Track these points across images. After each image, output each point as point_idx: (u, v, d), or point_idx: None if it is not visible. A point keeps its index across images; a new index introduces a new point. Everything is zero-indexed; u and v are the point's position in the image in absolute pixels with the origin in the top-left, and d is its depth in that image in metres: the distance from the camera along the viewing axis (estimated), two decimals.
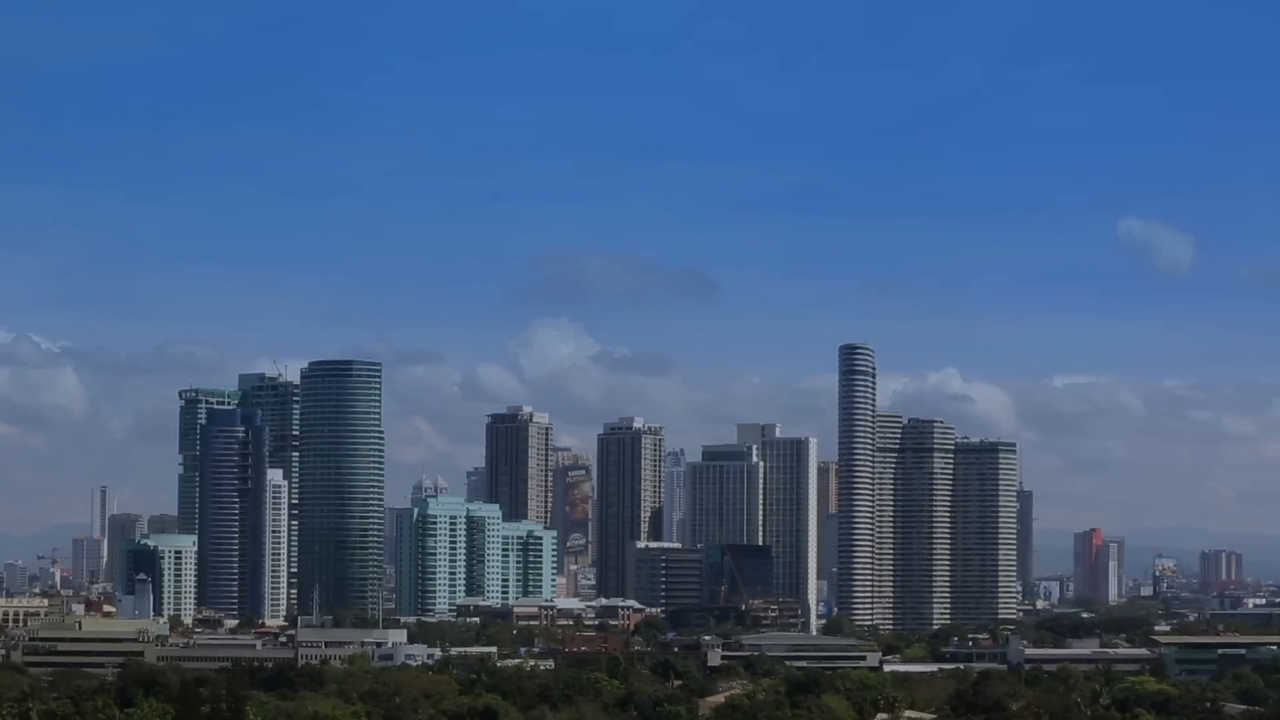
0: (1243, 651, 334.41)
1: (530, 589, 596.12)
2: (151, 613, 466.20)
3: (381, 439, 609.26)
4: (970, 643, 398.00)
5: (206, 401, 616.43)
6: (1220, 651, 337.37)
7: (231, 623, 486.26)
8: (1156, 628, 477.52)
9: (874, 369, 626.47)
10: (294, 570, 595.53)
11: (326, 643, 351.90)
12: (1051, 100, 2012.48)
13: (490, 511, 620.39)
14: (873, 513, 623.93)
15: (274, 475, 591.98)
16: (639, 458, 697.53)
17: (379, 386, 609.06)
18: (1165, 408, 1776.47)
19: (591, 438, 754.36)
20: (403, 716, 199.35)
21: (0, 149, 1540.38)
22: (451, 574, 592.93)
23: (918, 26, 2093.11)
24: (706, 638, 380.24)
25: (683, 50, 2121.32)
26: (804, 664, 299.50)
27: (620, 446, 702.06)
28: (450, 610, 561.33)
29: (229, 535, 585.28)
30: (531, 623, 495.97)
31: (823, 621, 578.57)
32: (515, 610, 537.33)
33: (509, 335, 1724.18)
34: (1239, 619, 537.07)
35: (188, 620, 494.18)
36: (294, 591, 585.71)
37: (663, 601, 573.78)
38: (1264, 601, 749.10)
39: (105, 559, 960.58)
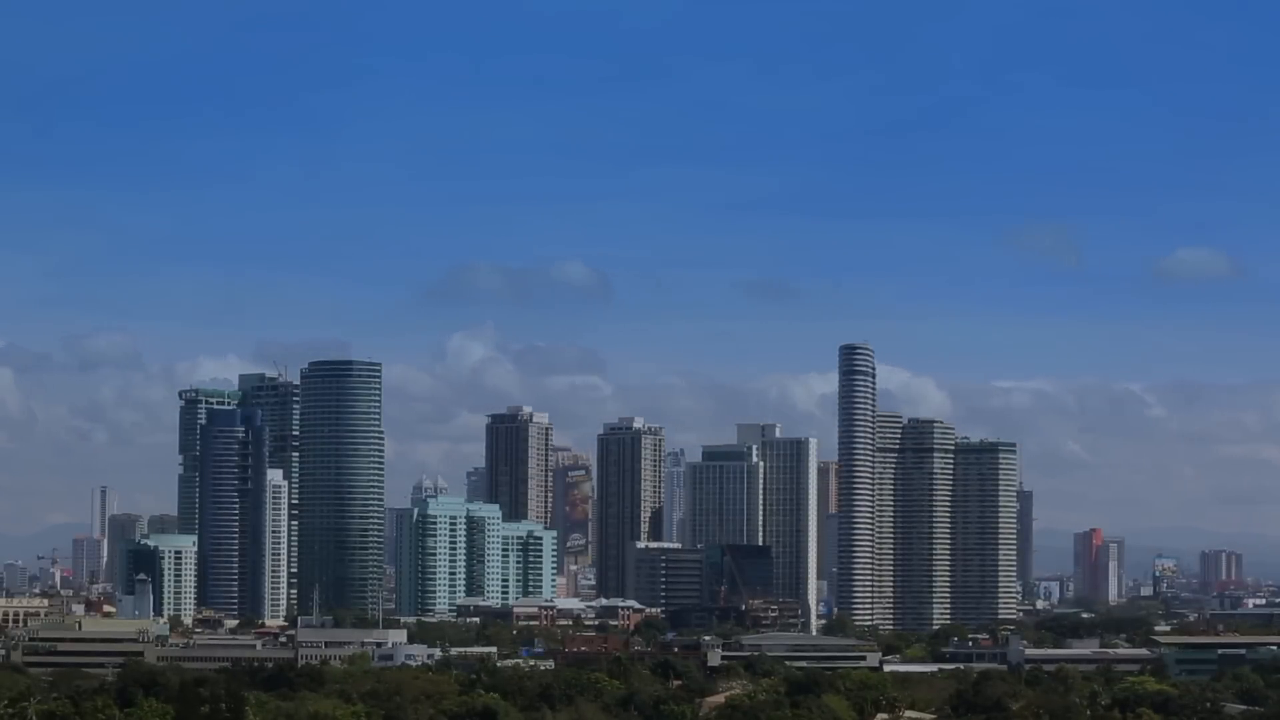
0: (1243, 651, 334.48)
1: (530, 589, 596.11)
2: (151, 613, 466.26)
3: (381, 439, 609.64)
4: (970, 643, 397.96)
5: (206, 401, 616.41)
6: (1220, 651, 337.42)
7: (231, 623, 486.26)
8: (1156, 628, 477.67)
9: (874, 369, 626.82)
10: (294, 570, 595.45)
11: (326, 643, 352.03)
12: (1043, 103, 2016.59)
13: (490, 511, 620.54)
14: (873, 513, 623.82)
15: (274, 475, 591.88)
16: (639, 458, 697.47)
17: (379, 387, 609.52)
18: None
19: (591, 438, 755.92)
20: (403, 716, 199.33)
21: None
22: (451, 574, 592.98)
23: (910, 32, 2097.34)
24: (706, 638, 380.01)
25: (679, 53, 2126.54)
26: (804, 664, 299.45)
27: (620, 446, 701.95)
28: (450, 610, 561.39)
29: (229, 535, 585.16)
30: (531, 623, 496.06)
31: (823, 621, 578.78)
32: (515, 610, 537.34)
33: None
34: (1239, 619, 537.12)
35: (188, 620, 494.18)
36: (294, 591, 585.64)
37: (663, 601, 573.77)
38: (1264, 601, 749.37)
39: (105, 559, 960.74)
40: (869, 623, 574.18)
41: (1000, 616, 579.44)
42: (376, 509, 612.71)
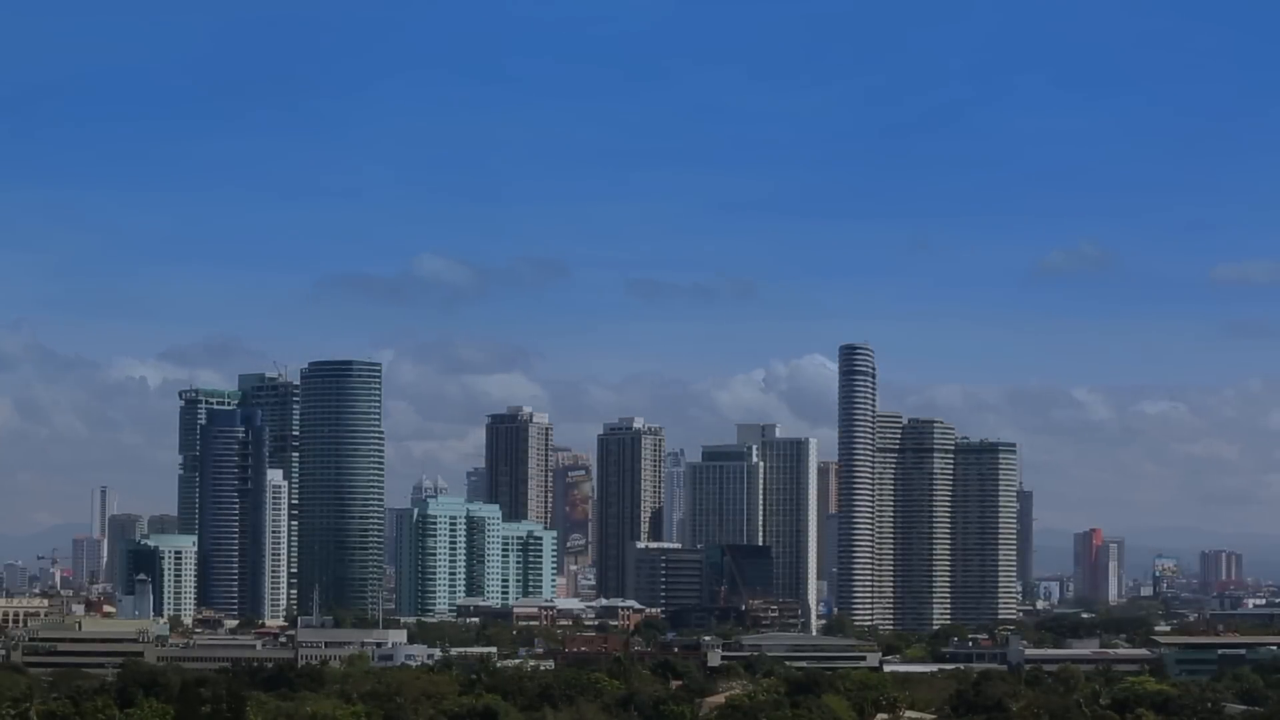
0: (1243, 652, 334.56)
1: (530, 589, 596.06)
2: (151, 613, 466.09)
3: (381, 439, 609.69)
4: (970, 643, 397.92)
5: (206, 402, 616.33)
6: (1220, 652, 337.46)
7: (231, 623, 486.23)
8: (1156, 628, 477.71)
9: (874, 369, 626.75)
10: (294, 570, 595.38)
11: (326, 643, 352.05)
12: (1035, 106, 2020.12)
13: (490, 512, 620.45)
14: (873, 513, 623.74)
15: (274, 475, 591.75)
16: (639, 458, 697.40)
17: (379, 387, 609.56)
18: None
19: (591, 438, 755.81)
20: (403, 717, 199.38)
21: None
22: (451, 574, 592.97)
23: (905, 35, 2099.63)
24: (706, 638, 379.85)
25: (674, 56, 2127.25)
26: (804, 664, 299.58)
27: (620, 446, 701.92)
28: (450, 610, 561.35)
29: (229, 535, 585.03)
30: (531, 623, 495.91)
31: (823, 621, 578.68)
32: (515, 610, 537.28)
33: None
34: (1239, 619, 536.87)
35: (188, 620, 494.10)
36: (294, 592, 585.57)
37: (663, 602, 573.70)
38: (1264, 601, 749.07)
39: (105, 559, 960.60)
40: (869, 623, 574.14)
41: (1000, 616, 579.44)
42: (376, 509, 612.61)
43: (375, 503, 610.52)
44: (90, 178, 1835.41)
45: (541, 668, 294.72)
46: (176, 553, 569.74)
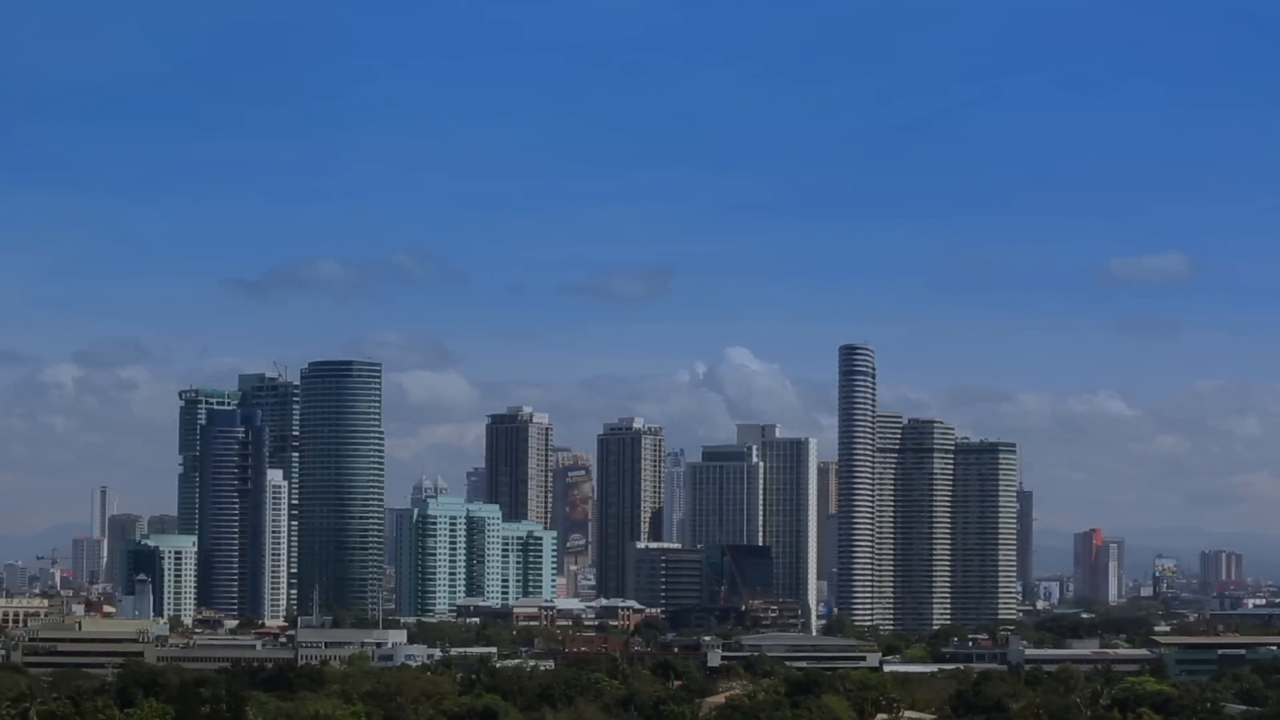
0: (1243, 652, 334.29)
1: (530, 589, 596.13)
2: (151, 613, 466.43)
3: (381, 439, 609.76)
4: (970, 643, 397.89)
5: (206, 402, 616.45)
6: (1220, 652, 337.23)
7: (231, 623, 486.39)
8: (1156, 628, 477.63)
9: (874, 369, 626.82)
10: (294, 570, 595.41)
11: (326, 643, 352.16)
12: (1031, 108, 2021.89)
13: (490, 512, 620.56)
14: (873, 513, 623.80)
15: (274, 475, 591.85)
16: (639, 458, 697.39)
17: (379, 387, 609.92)
18: None
19: (591, 438, 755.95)
20: (403, 717, 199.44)
21: None
22: (451, 574, 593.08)
23: (906, 36, 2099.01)
24: (706, 638, 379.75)
25: (671, 59, 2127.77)
26: (804, 664, 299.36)
27: (620, 447, 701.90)
28: (450, 611, 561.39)
29: (229, 535, 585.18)
30: (531, 623, 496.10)
31: (823, 622, 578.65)
32: (515, 611, 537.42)
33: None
34: (1239, 619, 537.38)
35: (188, 620, 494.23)
36: (294, 592, 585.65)
37: (663, 602, 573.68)
38: (1264, 602, 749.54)
39: (105, 559, 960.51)
40: (869, 623, 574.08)
41: (1000, 616, 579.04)
42: (376, 509, 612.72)
43: (375, 503, 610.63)
44: (89, 179, 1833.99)
45: (541, 668, 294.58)
46: (176, 553, 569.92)
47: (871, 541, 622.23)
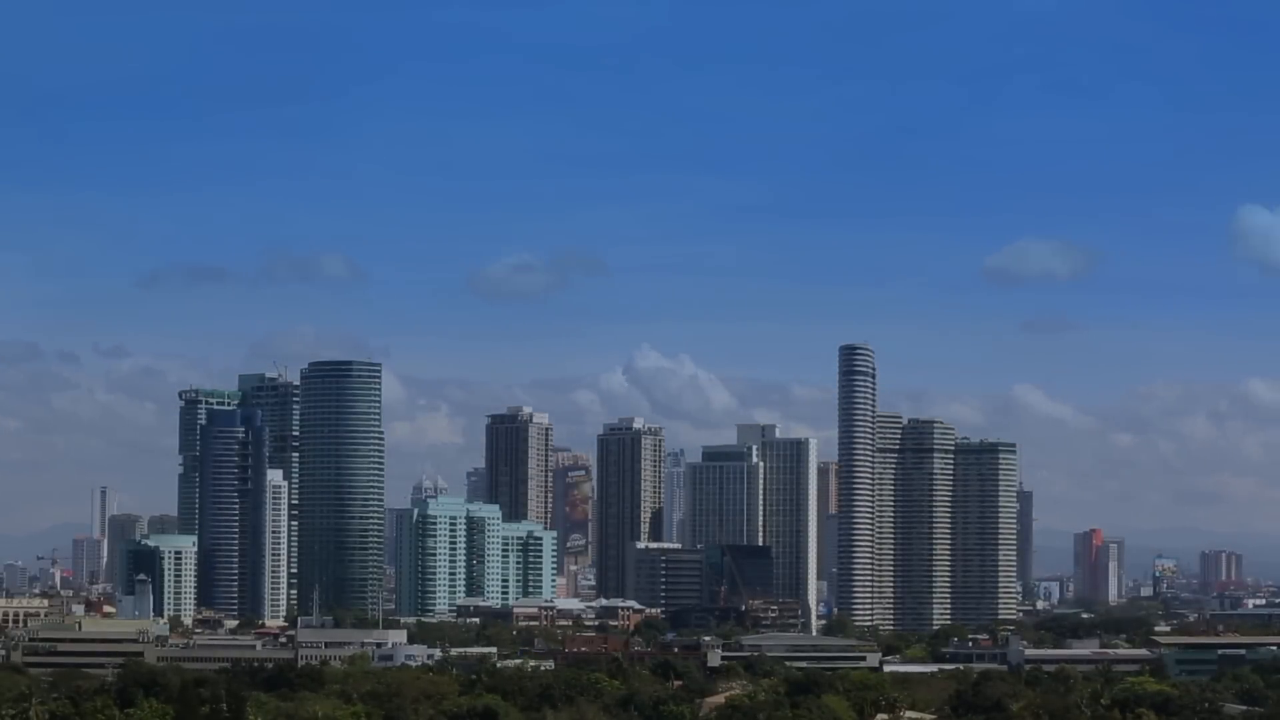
0: (1243, 652, 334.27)
1: (530, 589, 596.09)
2: (151, 613, 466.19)
3: (381, 439, 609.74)
4: (970, 643, 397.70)
5: (206, 402, 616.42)
6: (1220, 652, 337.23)
7: (231, 623, 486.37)
8: (1156, 628, 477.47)
9: (874, 369, 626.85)
10: (294, 570, 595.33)
11: (326, 643, 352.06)
12: (1026, 111, 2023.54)
13: (490, 512, 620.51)
14: (873, 513, 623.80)
15: (274, 475, 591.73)
16: (639, 458, 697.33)
17: (379, 386, 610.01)
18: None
19: (591, 438, 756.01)
20: (403, 717, 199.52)
21: None
22: (451, 574, 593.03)
23: (903, 38, 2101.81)
24: (706, 638, 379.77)
25: (669, 62, 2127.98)
26: (804, 664, 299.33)
27: (620, 447, 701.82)
28: (450, 611, 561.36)
29: (229, 535, 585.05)
30: (531, 623, 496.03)
31: (823, 622, 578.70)
32: (515, 611, 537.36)
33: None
34: (1239, 619, 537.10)
35: (188, 621, 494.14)
36: (294, 592, 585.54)
37: (663, 602, 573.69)
38: (1264, 602, 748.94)
39: (105, 559, 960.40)
40: (869, 623, 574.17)
41: (1000, 617, 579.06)
42: (376, 509, 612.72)
43: (375, 503, 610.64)
44: (88, 180, 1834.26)
45: (541, 668, 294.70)
46: (176, 553, 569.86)
47: (871, 541, 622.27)
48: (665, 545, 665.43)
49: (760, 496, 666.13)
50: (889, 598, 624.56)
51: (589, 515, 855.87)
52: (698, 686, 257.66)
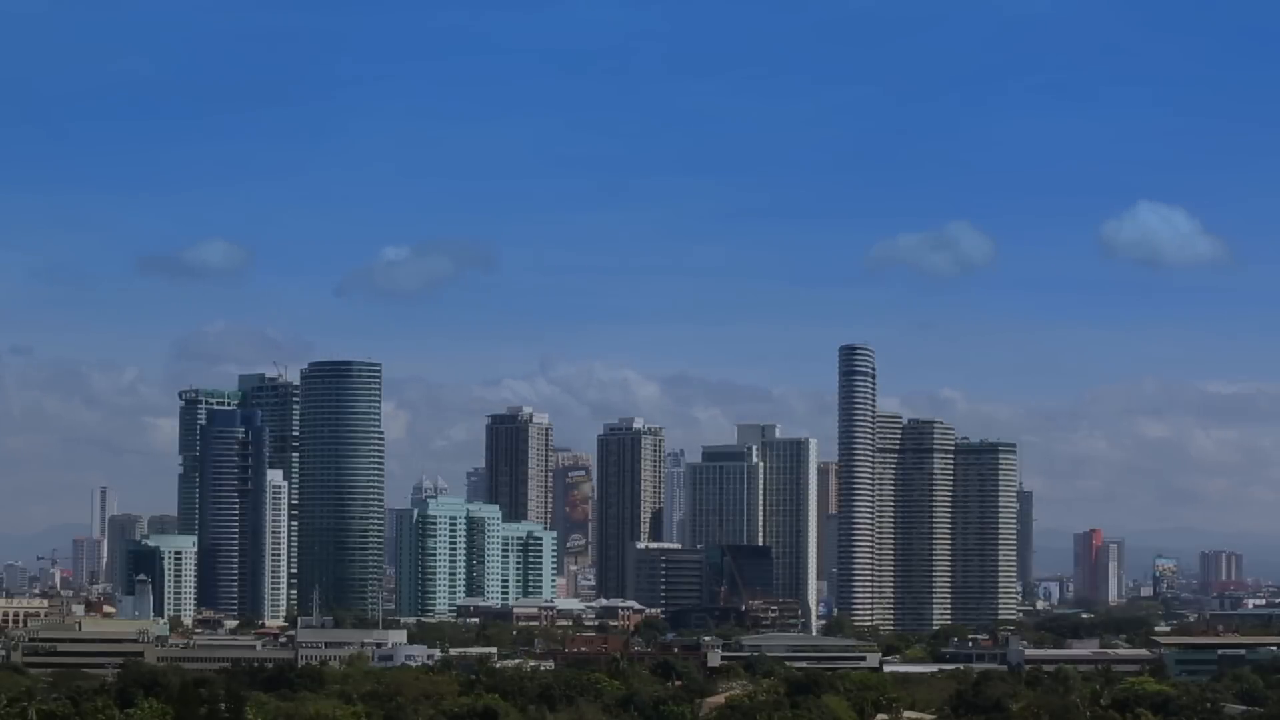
0: (1243, 652, 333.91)
1: (530, 590, 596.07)
2: (151, 613, 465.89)
3: (381, 439, 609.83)
4: (970, 643, 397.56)
5: (206, 402, 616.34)
6: (1220, 652, 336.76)
7: (231, 623, 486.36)
8: (1156, 628, 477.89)
9: (874, 369, 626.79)
10: (294, 571, 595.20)
11: (326, 643, 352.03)
12: (1025, 112, 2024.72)
13: (490, 512, 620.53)
14: (873, 513, 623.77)
15: (274, 475, 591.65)
16: (639, 458, 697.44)
17: (379, 387, 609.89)
18: None
19: (591, 438, 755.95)
20: (403, 717, 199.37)
21: None
22: (451, 574, 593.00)
23: (903, 41, 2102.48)
24: (706, 638, 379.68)
25: (669, 64, 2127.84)
26: (804, 664, 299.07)
27: (620, 447, 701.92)
28: (450, 611, 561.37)
29: (229, 536, 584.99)
30: (531, 623, 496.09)
31: (823, 622, 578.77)
32: (515, 611, 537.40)
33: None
34: (1239, 619, 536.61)
35: (188, 621, 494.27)
36: (294, 592, 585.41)
37: (663, 602, 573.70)
38: (1264, 602, 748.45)
39: (105, 559, 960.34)
40: (869, 623, 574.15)
41: (1000, 617, 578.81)
42: (376, 509, 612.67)
43: (375, 503, 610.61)
44: (86, 181, 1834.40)
45: (541, 668, 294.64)
46: (176, 553, 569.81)
47: (871, 542, 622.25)
48: (665, 545, 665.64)
49: (760, 496, 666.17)
50: (889, 598, 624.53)
51: (589, 515, 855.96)
52: (697, 686, 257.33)
